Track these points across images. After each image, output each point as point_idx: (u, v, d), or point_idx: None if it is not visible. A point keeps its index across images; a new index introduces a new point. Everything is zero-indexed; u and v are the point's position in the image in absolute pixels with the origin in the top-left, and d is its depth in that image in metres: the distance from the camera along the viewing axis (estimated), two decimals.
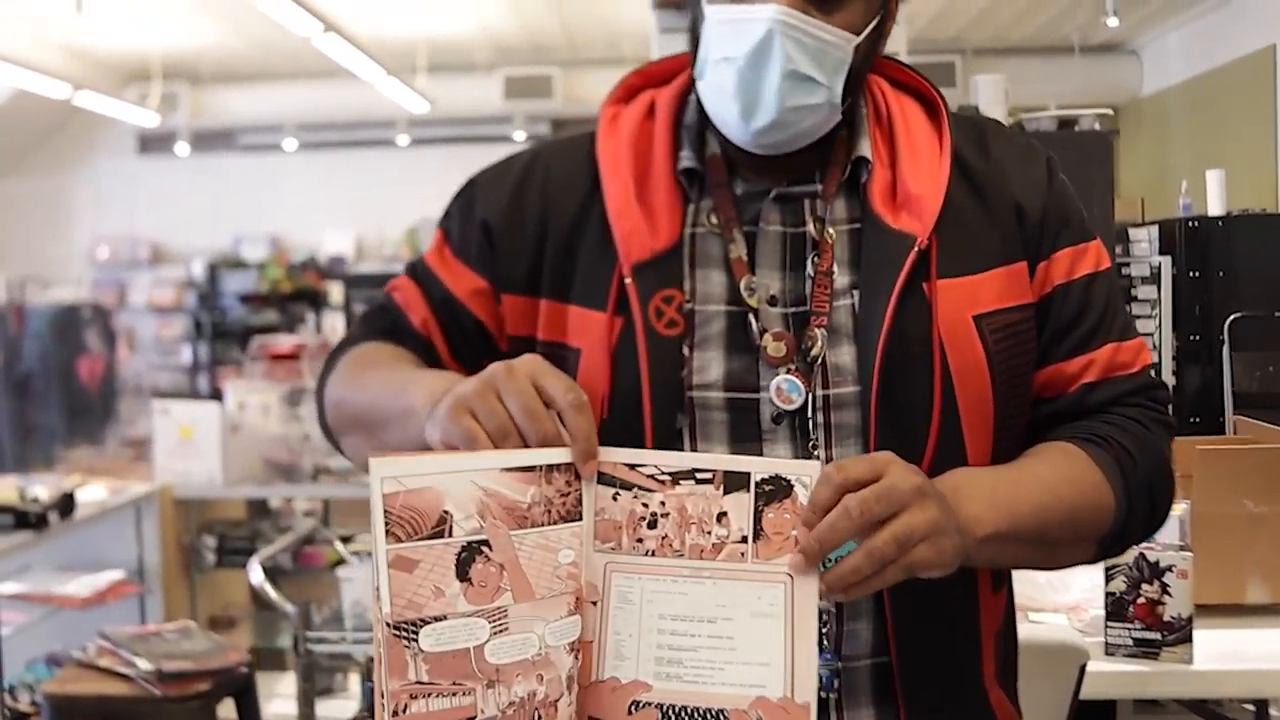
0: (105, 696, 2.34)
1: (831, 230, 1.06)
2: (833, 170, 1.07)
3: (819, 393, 1.03)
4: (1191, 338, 6.59)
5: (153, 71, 8.47)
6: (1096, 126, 3.89)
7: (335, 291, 9.39)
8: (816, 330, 1.03)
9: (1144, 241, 5.14)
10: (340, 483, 3.48)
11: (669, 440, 1.02)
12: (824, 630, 1.00)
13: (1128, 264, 5.04)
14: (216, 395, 6.84)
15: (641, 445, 1.00)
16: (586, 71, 9.18)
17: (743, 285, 1.05)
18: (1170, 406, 1.11)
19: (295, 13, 6.08)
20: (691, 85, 1.09)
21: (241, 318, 6.84)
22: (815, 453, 1.03)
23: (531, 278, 1.09)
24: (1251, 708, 2.51)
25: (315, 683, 2.64)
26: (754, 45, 0.99)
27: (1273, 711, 2.54)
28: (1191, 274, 6.57)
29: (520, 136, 9.64)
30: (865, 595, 0.91)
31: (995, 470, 1.02)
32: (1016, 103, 9.24)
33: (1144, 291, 5.10)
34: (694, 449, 1.04)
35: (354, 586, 2.48)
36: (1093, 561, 1.07)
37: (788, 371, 1.03)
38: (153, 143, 9.72)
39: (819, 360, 1.03)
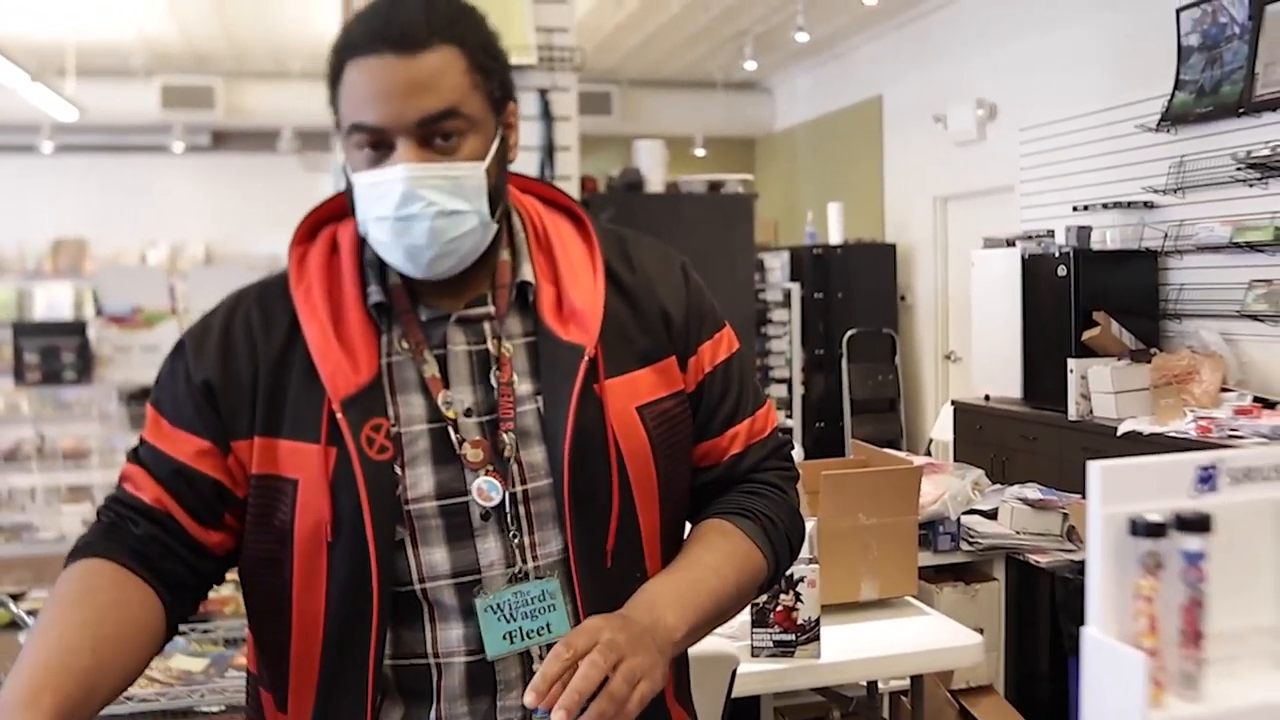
0: None
1: (509, 345, 1.20)
2: (501, 292, 1.22)
3: (517, 488, 1.18)
4: (817, 351, 7.46)
5: None
6: (740, 190, 4.39)
7: None
8: (505, 435, 1.18)
9: (777, 269, 5.76)
10: (10, 540, 3.35)
11: (391, 550, 1.14)
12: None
13: (764, 290, 5.63)
14: None
15: (367, 559, 1.12)
16: (250, 83, 8.94)
17: (440, 400, 1.17)
18: (793, 455, 1.37)
19: None
20: None
21: None
22: (516, 540, 1.18)
23: (248, 420, 1.16)
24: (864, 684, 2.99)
25: None
26: (398, 201, 1.12)
27: (879, 685, 3.02)
28: (816, 295, 7.43)
29: (179, 148, 9.23)
30: None
31: (678, 575, 1.19)
32: (666, 130, 9.95)
33: (777, 314, 5.71)
34: (415, 555, 1.16)
35: None
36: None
37: (486, 473, 1.17)
38: None
39: (511, 460, 1.18)
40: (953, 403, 6.37)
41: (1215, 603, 0.91)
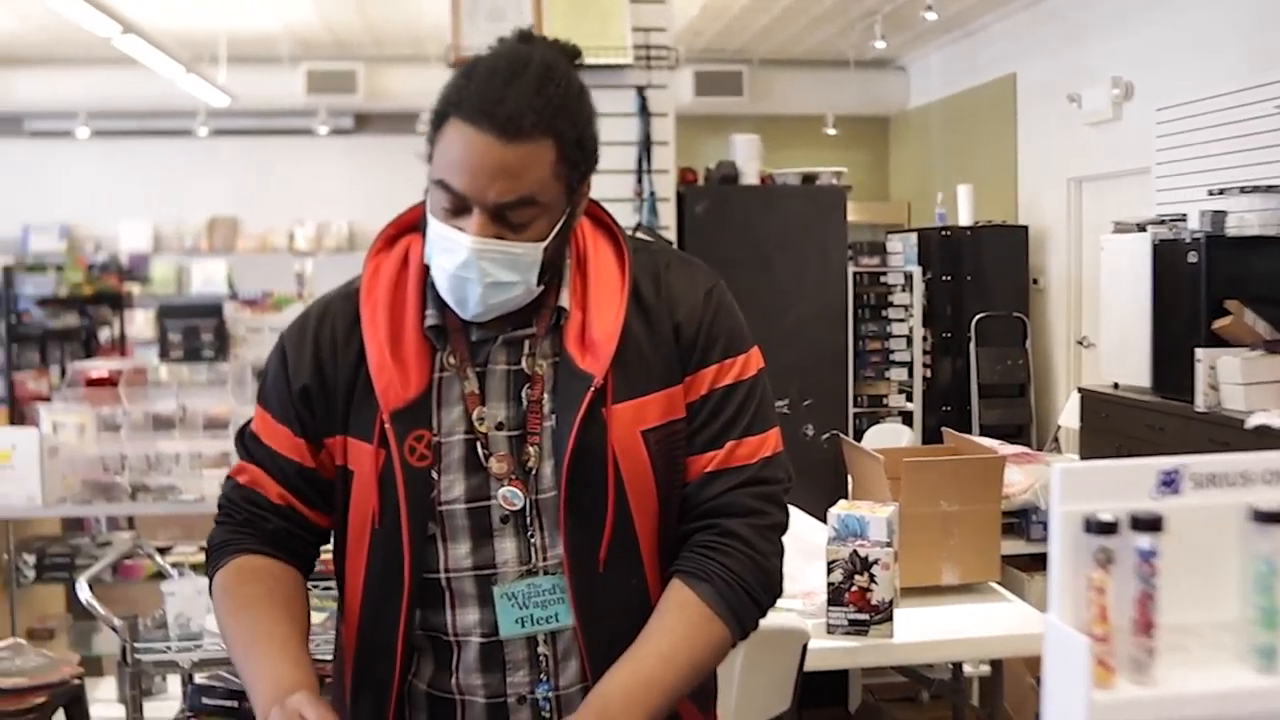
0: None
1: (542, 364, 1.32)
2: (543, 314, 1.33)
3: (534, 497, 1.31)
4: (944, 335, 7.37)
5: None
6: (834, 182, 4.40)
7: (136, 291, 9.18)
8: (531, 448, 1.31)
9: (899, 253, 5.72)
10: (158, 499, 3.65)
11: (423, 543, 1.30)
12: (544, 666, 1.32)
13: (885, 273, 5.61)
14: (14, 401, 6.68)
15: (401, 549, 1.28)
16: (390, 67, 9.29)
17: (474, 415, 1.31)
18: (784, 490, 1.36)
19: (93, 14, 5.98)
20: None
21: (39, 321, 6.71)
22: (534, 540, 1.31)
23: (335, 419, 1.33)
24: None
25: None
26: (459, 264, 1.25)
27: (967, 668, 3.06)
28: (944, 278, 7.33)
29: (323, 130, 9.66)
30: None
31: (632, 672, 1.26)
32: (797, 110, 9.89)
33: (899, 297, 5.68)
34: (444, 549, 1.31)
35: (177, 600, 2.61)
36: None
37: (509, 482, 1.31)
38: None
39: (533, 471, 1.31)
40: (1079, 390, 6.23)
41: (1175, 597, 0.96)
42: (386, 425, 1.28)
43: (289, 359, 1.36)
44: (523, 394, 1.32)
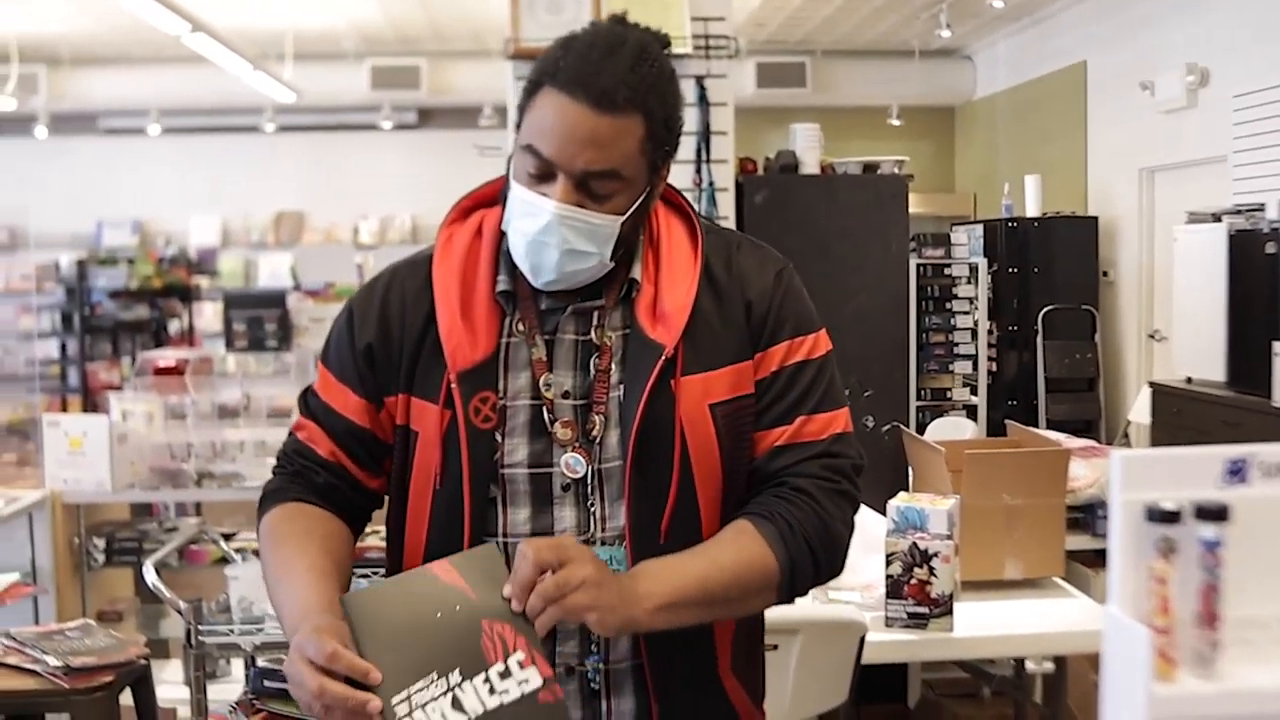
0: (16, 691, 2.55)
1: (611, 335, 1.34)
2: (613, 287, 1.35)
3: (596, 466, 1.32)
4: (1010, 328, 7.25)
5: (9, 54, 8.33)
6: (896, 171, 4.33)
7: (205, 284, 9.38)
8: (596, 417, 1.32)
9: (964, 244, 5.62)
10: (223, 486, 3.73)
11: (484, 506, 1.31)
12: (594, 638, 1.32)
13: (949, 265, 5.52)
14: (87, 391, 6.88)
15: (462, 510, 1.29)
16: (453, 62, 9.36)
17: (541, 382, 1.32)
18: (853, 466, 1.37)
19: (162, 13, 6.10)
20: None
21: (111, 313, 6.89)
22: (593, 510, 1.32)
23: (398, 379, 1.35)
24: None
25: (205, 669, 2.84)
26: (539, 228, 1.27)
27: (1030, 665, 3.00)
28: (1011, 270, 7.20)
29: (387, 125, 9.77)
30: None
31: (669, 556, 1.27)
32: (861, 101, 9.79)
33: (963, 289, 5.58)
34: (503, 513, 1.32)
35: (240, 584, 2.63)
36: (782, 603, 1.35)
37: (573, 449, 1.32)
38: (10, 125, 9.52)
39: (597, 440, 1.32)
40: (1150, 384, 6.09)
41: (1241, 590, 0.93)
42: (453, 385, 1.30)
43: (355, 319, 1.39)
44: (590, 363, 1.34)
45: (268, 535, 1.37)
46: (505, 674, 1.17)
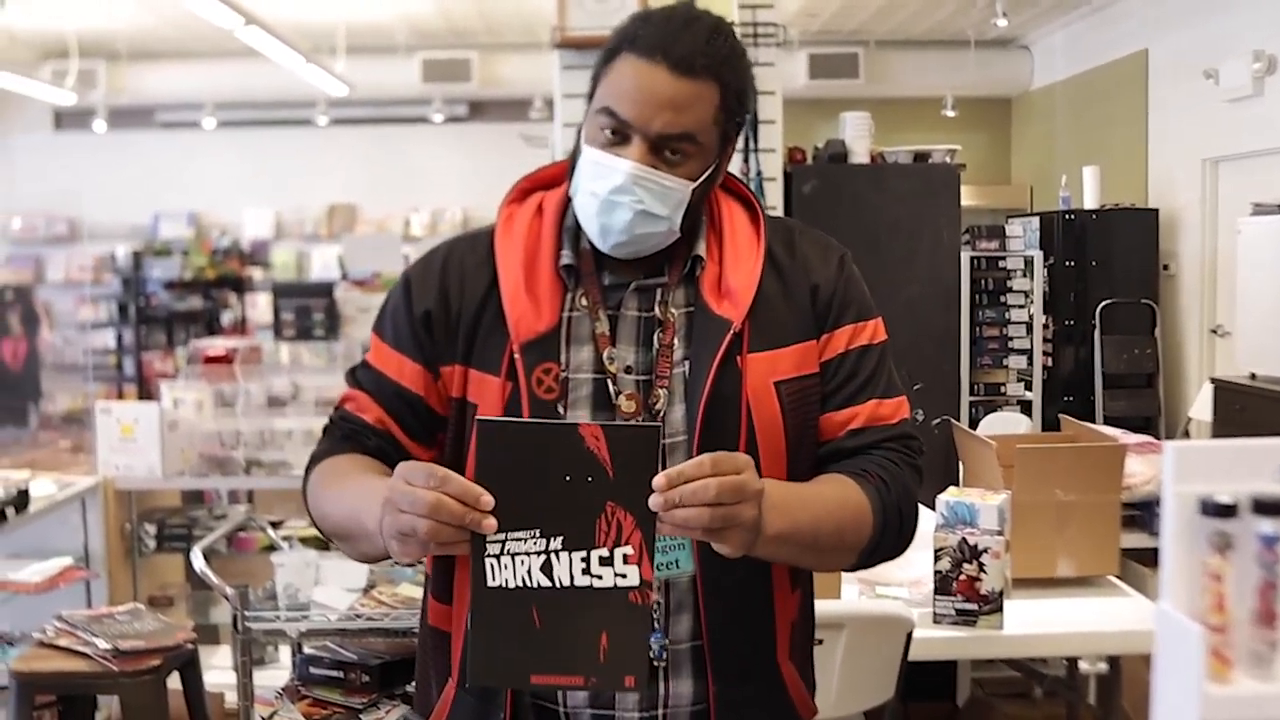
0: (67, 673, 2.60)
1: (674, 312, 1.35)
2: (676, 264, 1.36)
3: (663, 440, 1.27)
4: (1067, 323, 7.11)
5: (69, 49, 8.48)
6: (947, 160, 4.26)
7: (258, 275, 9.50)
8: (660, 391, 1.32)
9: (1019, 236, 5.53)
10: (270, 474, 3.77)
11: None
12: (656, 617, 1.30)
13: (1004, 258, 5.43)
14: (142, 380, 7.01)
15: None
16: (503, 55, 9.37)
17: (605, 356, 1.33)
18: (921, 452, 1.40)
19: (217, 7, 6.17)
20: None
21: (166, 303, 7.01)
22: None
23: (455, 349, 1.35)
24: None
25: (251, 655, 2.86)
26: (613, 187, 1.28)
27: (1083, 665, 2.94)
28: (1067, 263, 7.06)
29: (439, 118, 9.81)
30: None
31: (790, 486, 1.29)
32: (915, 92, 9.67)
33: (1018, 283, 5.49)
34: None
35: (286, 571, 2.66)
36: (852, 569, 1.39)
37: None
38: (69, 119, 9.70)
39: (660, 415, 1.31)
40: (1213, 381, 5.95)
41: None
42: (516, 356, 1.31)
43: (413, 287, 1.39)
44: (654, 339, 1.34)
45: (317, 481, 1.36)
46: (606, 561, 1.14)
